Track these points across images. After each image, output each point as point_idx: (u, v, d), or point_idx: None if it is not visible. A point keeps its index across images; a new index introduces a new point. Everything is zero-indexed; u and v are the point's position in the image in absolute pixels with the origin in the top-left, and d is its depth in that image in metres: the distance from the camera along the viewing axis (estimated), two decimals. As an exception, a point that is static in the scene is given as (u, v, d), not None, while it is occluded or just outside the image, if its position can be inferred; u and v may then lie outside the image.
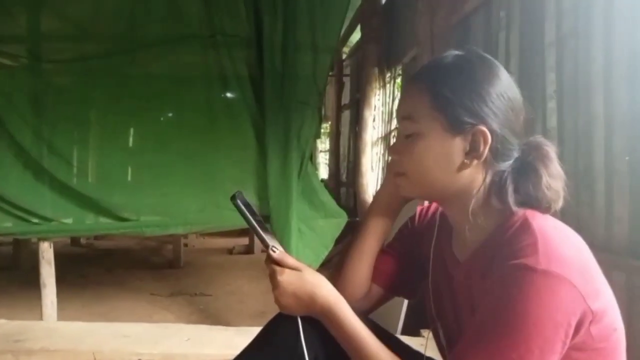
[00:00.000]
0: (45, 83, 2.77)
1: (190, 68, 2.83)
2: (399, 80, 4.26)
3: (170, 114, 2.85)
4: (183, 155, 2.73)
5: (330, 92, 6.21)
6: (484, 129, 0.78)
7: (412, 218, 1.07)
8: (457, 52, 0.85)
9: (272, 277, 0.83)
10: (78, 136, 2.88)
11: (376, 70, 4.54)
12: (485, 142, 0.79)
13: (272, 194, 2.61)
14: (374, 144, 4.68)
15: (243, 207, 0.82)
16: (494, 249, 0.77)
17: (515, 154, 0.81)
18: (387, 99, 4.54)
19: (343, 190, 6.96)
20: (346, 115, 7.00)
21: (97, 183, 2.85)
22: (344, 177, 6.98)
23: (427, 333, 1.99)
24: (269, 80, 2.65)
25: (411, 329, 2.31)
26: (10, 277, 4.03)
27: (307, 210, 2.68)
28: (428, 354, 0.99)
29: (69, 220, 2.78)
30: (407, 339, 0.95)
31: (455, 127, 0.80)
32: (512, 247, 0.72)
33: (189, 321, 3.25)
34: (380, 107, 4.67)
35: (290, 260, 0.83)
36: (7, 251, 4.63)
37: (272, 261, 0.83)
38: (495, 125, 0.79)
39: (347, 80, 6.82)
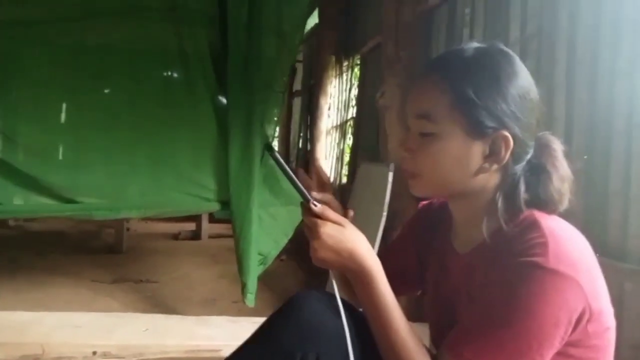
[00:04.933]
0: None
1: (146, 42, 2.64)
2: (356, 70, 4.26)
3: (122, 90, 2.65)
4: (136, 134, 2.57)
5: (282, 77, 6.10)
6: (507, 134, 0.77)
7: (414, 217, 1.07)
8: (477, 45, 0.82)
9: (313, 228, 0.79)
10: (10, 106, 2.62)
11: (333, 58, 4.51)
12: (507, 148, 0.78)
13: (232, 179, 2.52)
14: (328, 133, 4.67)
15: (281, 159, 0.79)
16: (500, 244, 0.77)
17: (529, 155, 0.81)
18: (344, 88, 4.53)
19: (292, 177, 6.90)
20: (297, 102, 6.93)
21: (33, 159, 2.58)
22: (293, 165, 6.93)
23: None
24: (233, 61, 2.54)
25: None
26: None
27: (268, 197, 2.62)
28: None
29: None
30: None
31: (477, 131, 0.78)
32: (522, 244, 0.73)
33: (136, 309, 3.12)
34: (336, 96, 4.66)
35: (332, 214, 0.80)
36: None
37: (312, 215, 0.80)
38: (517, 130, 0.78)
39: (299, 66, 6.74)
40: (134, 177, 2.54)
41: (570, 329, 0.71)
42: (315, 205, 0.79)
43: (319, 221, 0.78)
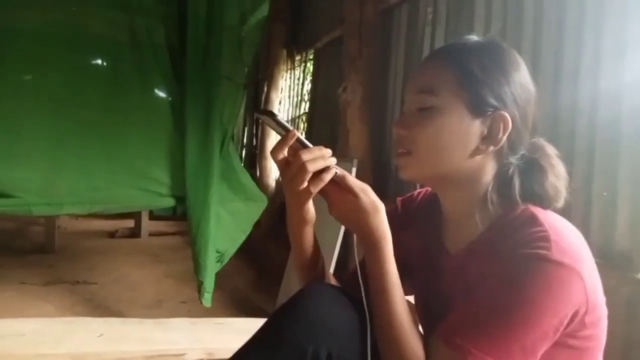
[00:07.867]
0: None
1: (94, 28, 2.43)
2: (309, 64, 4.21)
3: (66, 78, 2.40)
4: (81, 125, 2.35)
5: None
6: (506, 115, 0.77)
7: (395, 209, 1.01)
8: (479, 37, 0.83)
9: (328, 196, 0.81)
10: None
11: (285, 51, 4.43)
12: (505, 129, 0.77)
13: (189, 174, 2.38)
14: (278, 128, 4.56)
15: (284, 122, 0.76)
16: (497, 237, 0.76)
17: (523, 150, 0.80)
18: (296, 82, 4.47)
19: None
20: (241, 95, 6.77)
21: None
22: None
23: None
24: (191, 51, 2.40)
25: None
26: None
27: (226, 192, 2.50)
28: None
29: None
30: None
31: (478, 108, 0.78)
32: (523, 237, 0.71)
33: (74, 313, 2.89)
34: (287, 90, 4.58)
35: (352, 180, 0.79)
36: None
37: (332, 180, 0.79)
38: (515, 114, 0.78)
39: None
40: (79, 169, 2.31)
41: (566, 321, 0.71)
42: (336, 173, 0.78)
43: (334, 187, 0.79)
